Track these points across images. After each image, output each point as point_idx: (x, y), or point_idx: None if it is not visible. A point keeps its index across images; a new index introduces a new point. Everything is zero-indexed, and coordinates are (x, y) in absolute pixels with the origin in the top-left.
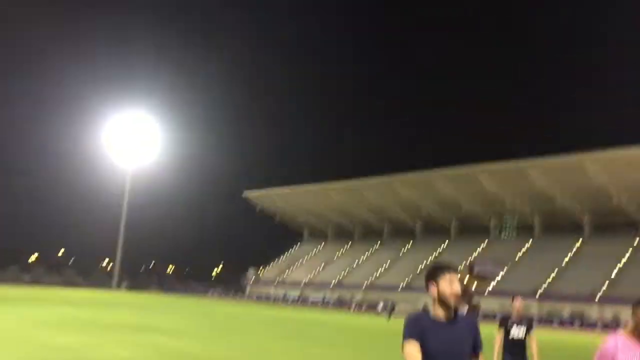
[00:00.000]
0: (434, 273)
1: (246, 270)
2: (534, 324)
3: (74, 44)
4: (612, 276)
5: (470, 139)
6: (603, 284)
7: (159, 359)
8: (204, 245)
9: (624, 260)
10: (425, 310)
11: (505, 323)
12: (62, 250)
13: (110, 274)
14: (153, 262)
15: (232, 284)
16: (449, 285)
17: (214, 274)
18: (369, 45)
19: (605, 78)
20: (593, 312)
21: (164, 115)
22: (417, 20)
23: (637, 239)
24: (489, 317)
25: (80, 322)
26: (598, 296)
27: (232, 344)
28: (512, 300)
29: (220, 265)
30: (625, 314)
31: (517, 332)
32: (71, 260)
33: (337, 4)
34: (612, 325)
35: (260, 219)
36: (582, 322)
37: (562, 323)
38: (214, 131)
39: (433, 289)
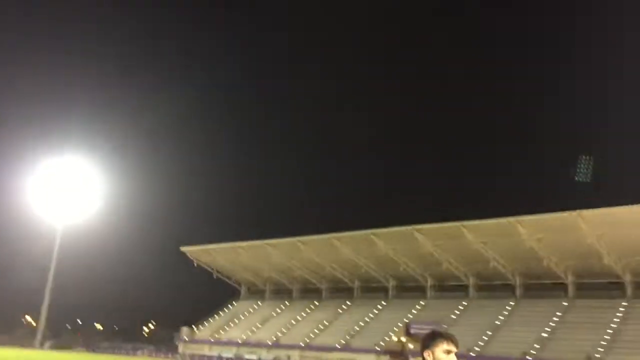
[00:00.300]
0: (431, 340)
1: (179, 328)
2: None
3: None
4: (543, 337)
5: (410, 200)
6: (534, 345)
7: None
8: (136, 302)
9: (553, 321)
10: None
11: None
12: None
13: (33, 332)
14: (79, 320)
15: (164, 343)
16: (446, 354)
17: (145, 332)
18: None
19: (541, 143)
20: (456, 358)
21: (98, 163)
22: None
23: (566, 300)
24: None
25: None
26: (529, 358)
27: None
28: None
29: (151, 324)
30: None
31: None
32: None
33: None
34: None
35: (196, 276)
36: None
37: None
38: (152, 181)
39: (428, 358)
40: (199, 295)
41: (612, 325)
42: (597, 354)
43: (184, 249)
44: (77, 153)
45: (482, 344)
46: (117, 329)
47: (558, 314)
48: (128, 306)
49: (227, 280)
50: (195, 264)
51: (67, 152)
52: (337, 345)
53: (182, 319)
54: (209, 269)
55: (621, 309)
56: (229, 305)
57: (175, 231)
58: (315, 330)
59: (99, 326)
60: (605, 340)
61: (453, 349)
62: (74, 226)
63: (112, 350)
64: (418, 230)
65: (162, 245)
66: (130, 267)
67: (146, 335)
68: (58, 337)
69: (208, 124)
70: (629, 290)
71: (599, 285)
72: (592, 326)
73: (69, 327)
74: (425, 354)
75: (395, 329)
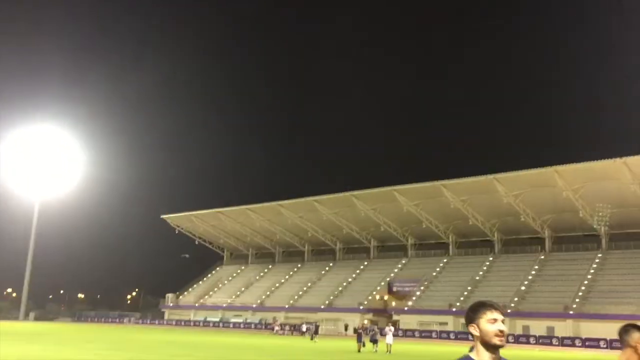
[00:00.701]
0: (473, 313)
1: (164, 295)
2: None
3: None
4: (522, 290)
5: (388, 160)
6: (513, 298)
7: None
8: (118, 271)
9: (531, 274)
10: (466, 355)
11: None
12: None
13: (15, 304)
14: (62, 290)
15: (149, 310)
16: (492, 324)
17: (128, 299)
18: (288, 69)
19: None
20: (504, 325)
21: (75, 131)
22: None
23: (543, 254)
24: (409, 334)
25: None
26: (509, 310)
27: None
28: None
29: (135, 291)
30: (534, 326)
31: None
32: None
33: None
34: (522, 338)
35: (179, 243)
36: None
37: None
38: (131, 151)
39: (474, 331)
40: (182, 263)
41: (588, 276)
42: (574, 304)
43: (164, 216)
44: (51, 121)
45: (462, 299)
46: (99, 297)
47: (536, 267)
48: (111, 275)
49: (209, 246)
50: (177, 232)
51: (41, 120)
52: (321, 306)
53: (166, 286)
54: (191, 236)
55: (597, 260)
56: (213, 271)
57: (156, 200)
58: (300, 292)
59: (81, 296)
60: (581, 290)
61: (499, 316)
62: (53, 196)
63: (98, 319)
64: (397, 191)
65: (142, 213)
66: (112, 236)
67: (129, 303)
68: (42, 308)
69: (189, 91)
70: (604, 242)
71: (574, 238)
72: (568, 278)
73: (52, 298)
74: (471, 328)
75: (378, 287)
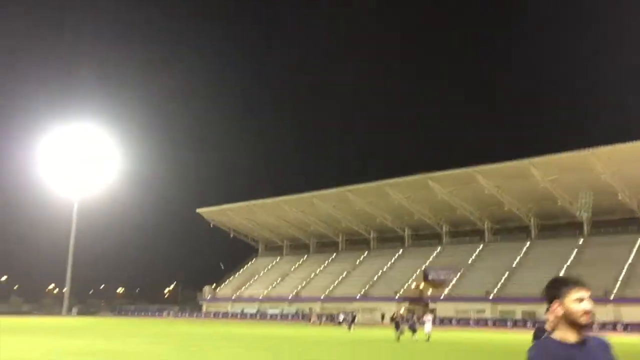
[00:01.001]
0: (556, 291)
1: (201, 288)
2: None
3: None
4: (560, 275)
5: (421, 148)
6: None
7: None
8: (155, 265)
9: (569, 260)
10: (541, 332)
11: (541, 335)
12: (5, 277)
13: (58, 299)
14: (102, 285)
15: (187, 303)
16: (578, 303)
17: (166, 293)
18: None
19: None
20: (543, 311)
21: (109, 129)
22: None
23: (582, 238)
24: (446, 322)
25: (47, 352)
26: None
27: None
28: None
29: (172, 285)
30: None
31: None
32: (16, 287)
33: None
34: None
35: (214, 236)
36: (534, 322)
37: (516, 323)
38: (165, 147)
39: (557, 308)
40: (217, 255)
41: (628, 260)
42: (614, 289)
43: (199, 210)
44: (87, 120)
45: (499, 286)
46: (138, 292)
47: (574, 252)
48: (148, 270)
49: (244, 239)
50: (212, 225)
51: (77, 119)
52: (357, 295)
53: (202, 279)
54: (226, 229)
55: (636, 243)
56: (248, 263)
57: (191, 195)
58: (335, 282)
59: (120, 290)
60: (622, 275)
61: (585, 294)
62: (91, 194)
63: (138, 313)
64: (431, 178)
65: (178, 208)
66: (148, 232)
67: (167, 296)
68: (83, 303)
69: (221, 86)
70: None
71: (613, 222)
72: (608, 262)
73: (92, 293)
74: (554, 307)
75: (413, 276)
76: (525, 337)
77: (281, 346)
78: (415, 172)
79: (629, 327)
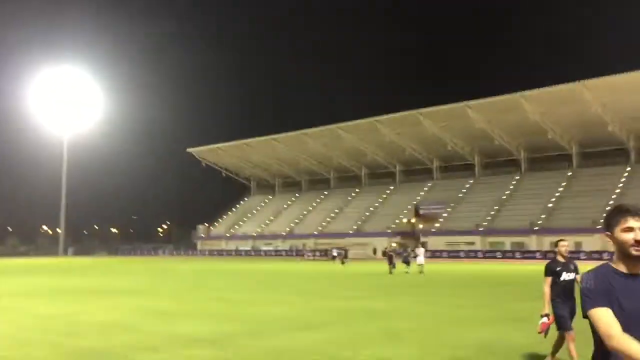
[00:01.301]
0: (608, 220)
1: (195, 227)
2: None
3: None
4: (549, 208)
5: (410, 83)
6: (540, 216)
7: (149, 320)
8: (148, 205)
9: (558, 192)
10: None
11: (553, 269)
12: None
13: (53, 240)
14: (96, 225)
15: (181, 242)
16: (627, 233)
17: (160, 232)
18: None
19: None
20: (532, 242)
21: (99, 71)
22: None
23: (571, 171)
24: (437, 254)
25: (55, 291)
26: (536, 228)
27: (206, 298)
28: (556, 244)
29: (165, 224)
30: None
31: (567, 275)
32: (10, 229)
33: None
34: (551, 254)
35: (206, 175)
36: (522, 253)
37: (505, 255)
38: (154, 88)
39: (611, 239)
40: (210, 195)
41: (616, 190)
42: (602, 219)
43: (191, 150)
44: (79, 63)
45: (489, 218)
46: (132, 231)
47: (563, 184)
48: (142, 209)
49: (236, 177)
50: (204, 164)
51: (68, 62)
52: (349, 231)
53: (196, 218)
54: (218, 168)
55: (625, 174)
56: (241, 202)
57: (182, 134)
58: (327, 219)
59: (115, 230)
60: (609, 205)
61: (635, 223)
62: (81, 134)
63: (134, 252)
64: (422, 114)
65: (170, 149)
66: (141, 172)
67: (161, 235)
68: (79, 244)
69: (210, 23)
70: (632, 156)
71: (602, 153)
72: (596, 193)
73: (87, 234)
74: (608, 236)
75: (405, 211)
76: (513, 267)
77: (283, 280)
78: (406, 108)
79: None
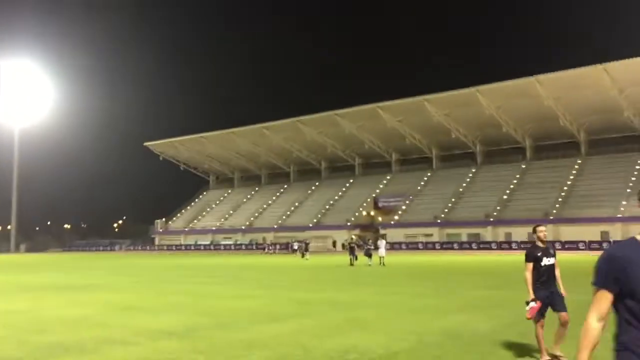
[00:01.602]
0: None
1: (152, 221)
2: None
3: None
4: (503, 199)
5: (370, 77)
6: (496, 207)
7: (114, 314)
8: (103, 200)
9: (513, 184)
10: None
11: (534, 254)
12: None
13: (4, 237)
14: (48, 221)
15: (139, 237)
16: None
17: (115, 227)
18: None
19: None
20: (487, 234)
21: (52, 64)
22: None
23: (524, 163)
24: (396, 246)
25: (12, 287)
26: (491, 219)
27: (170, 292)
28: (534, 229)
29: (121, 220)
30: (516, 232)
31: (547, 260)
32: None
33: None
34: (505, 245)
35: (163, 169)
36: (478, 244)
37: (461, 246)
38: (109, 81)
39: None
40: (168, 189)
41: (568, 182)
42: (553, 209)
43: (148, 144)
44: (27, 54)
45: (447, 210)
46: (86, 227)
47: (517, 176)
48: (96, 205)
49: (194, 171)
50: (161, 158)
51: (17, 53)
52: (309, 224)
53: (153, 212)
54: (175, 162)
55: (576, 166)
56: (200, 196)
57: (138, 127)
58: (287, 212)
59: (67, 226)
60: (561, 196)
61: None
62: (33, 128)
63: (89, 248)
64: (380, 107)
65: (125, 142)
66: (95, 165)
67: (117, 230)
68: (31, 240)
69: (168, 23)
70: (583, 149)
71: (555, 146)
72: (549, 185)
73: (39, 230)
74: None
75: (364, 204)
76: (470, 257)
77: (246, 274)
78: (365, 101)
79: (567, 245)
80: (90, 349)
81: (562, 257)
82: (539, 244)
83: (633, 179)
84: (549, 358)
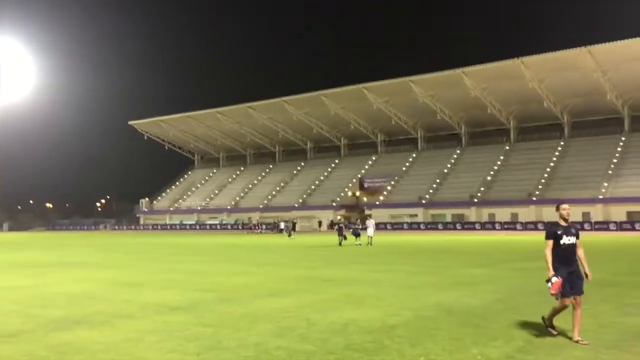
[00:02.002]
0: None
1: (137, 201)
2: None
3: None
4: (488, 180)
5: (357, 58)
6: (480, 188)
7: (117, 290)
8: (87, 179)
9: (497, 165)
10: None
11: (554, 232)
12: None
13: None
14: (31, 200)
15: (123, 216)
16: None
17: (99, 207)
18: None
19: None
20: (472, 214)
21: (37, 43)
22: None
23: (508, 145)
24: (381, 227)
25: (9, 264)
26: (475, 200)
27: (167, 270)
28: (558, 207)
29: (104, 199)
30: (499, 213)
31: (567, 239)
32: None
33: None
34: (489, 225)
35: (148, 148)
36: (462, 224)
37: (446, 226)
38: (95, 59)
39: None
40: (152, 168)
41: (551, 164)
42: (537, 191)
43: (132, 122)
44: (10, 34)
45: (431, 191)
46: (68, 206)
47: (501, 157)
48: (80, 183)
49: (179, 151)
50: (146, 137)
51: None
52: (295, 204)
53: (138, 192)
54: (160, 141)
55: (559, 148)
56: (185, 176)
57: (123, 106)
58: (273, 192)
59: (50, 205)
60: (544, 178)
61: None
62: (15, 107)
63: (73, 227)
64: (367, 88)
65: (110, 120)
66: (78, 144)
67: (101, 210)
68: (13, 219)
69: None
70: (566, 130)
71: (539, 128)
72: (532, 166)
73: (21, 209)
74: None
75: (349, 184)
76: (455, 237)
77: (232, 252)
78: (352, 82)
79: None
80: (100, 321)
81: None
82: (562, 222)
83: (615, 160)
84: (555, 332)
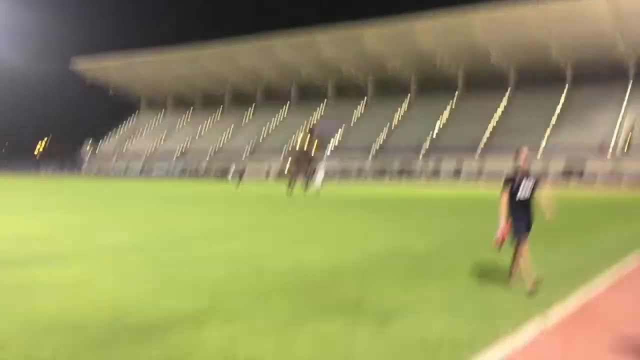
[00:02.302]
0: None
1: (79, 144)
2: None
3: None
4: (435, 131)
5: (310, 3)
6: (427, 139)
7: (67, 232)
8: (25, 120)
9: (444, 116)
10: None
11: (511, 181)
12: None
13: None
14: None
15: (65, 160)
16: None
17: (38, 149)
18: None
19: None
20: (418, 164)
21: None
22: None
23: (455, 98)
24: (333, 175)
25: None
26: (423, 150)
27: (117, 214)
28: (516, 153)
29: (44, 140)
30: (445, 163)
31: (524, 190)
32: None
33: None
34: (433, 176)
35: (91, 92)
36: (409, 174)
37: (393, 174)
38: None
39: None
40: (96, 111)
41: (497, 114)
42: (484, 139)
43: (75, 65)
44: None
45: (380, 142)
46: (5, 150)
47: (449, 108)
48: (16, 125)
49: (124, 93)
50: (89, 82)
51: None
52: (244, 151)
53: (82, 135)
54: (105, 85)
55: (505, 99)
56: (130, 120)
57: (65, 49)
58: (222, 138)
59: None
60: (491, 128)
61: None
62: None
63: (12, 170)
64: (318, 35)
65: (50, 62)
66: (15, 84)
67: (41, 151)
68: None
69: None
70: (512, 83)
71: (485, 82)
72: (479, 117)
73: None
74: None
75: (299, 132)
76: (401, 189)
77: (183, 199)
78: (303, 28)
79: (491, 175)
80: (52, 262)
81: (485, 188)
82: (520, 168)
83: (557, 112)
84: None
